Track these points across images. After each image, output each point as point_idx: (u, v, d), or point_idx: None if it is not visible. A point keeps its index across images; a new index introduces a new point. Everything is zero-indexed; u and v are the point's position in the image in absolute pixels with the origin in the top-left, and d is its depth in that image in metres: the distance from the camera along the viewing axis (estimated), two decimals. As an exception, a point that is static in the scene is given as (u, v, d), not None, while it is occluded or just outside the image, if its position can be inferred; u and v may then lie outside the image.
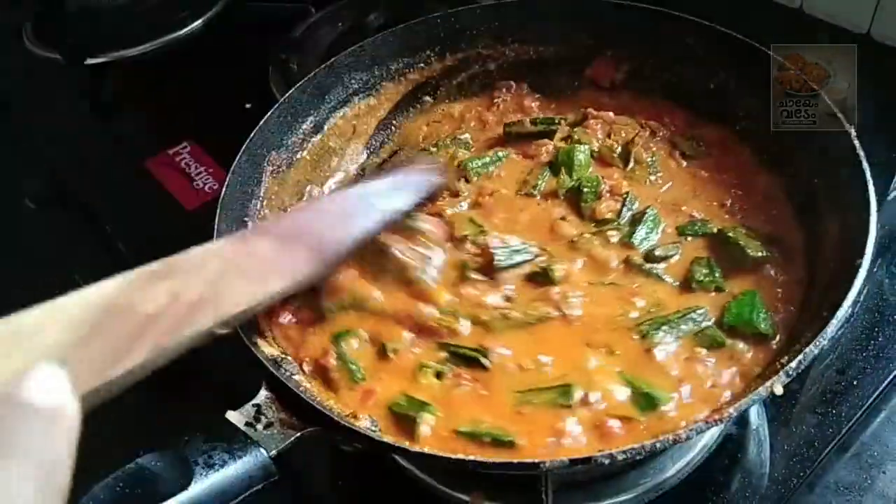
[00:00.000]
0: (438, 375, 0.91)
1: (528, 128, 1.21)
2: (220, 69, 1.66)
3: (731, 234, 1.00)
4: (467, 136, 1.24)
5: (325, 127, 1.21)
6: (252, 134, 1.08)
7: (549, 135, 1.19)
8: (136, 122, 1.67)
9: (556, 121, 1.21)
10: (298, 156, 1.17)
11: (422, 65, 1.27)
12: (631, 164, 1.13)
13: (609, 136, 1.18)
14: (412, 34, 1.25)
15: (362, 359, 0.93)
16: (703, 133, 1.17)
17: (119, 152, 1.56)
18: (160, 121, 1.63)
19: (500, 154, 1.18)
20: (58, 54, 1.62)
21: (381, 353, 0.94)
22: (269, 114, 1.11)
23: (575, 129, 1.19)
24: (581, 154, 1.13)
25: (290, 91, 1.16)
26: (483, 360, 0.90)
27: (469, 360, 0.91)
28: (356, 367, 0.92)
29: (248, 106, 1.53)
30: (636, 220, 1.03)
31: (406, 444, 0.81)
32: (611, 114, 1.21)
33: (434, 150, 1.21)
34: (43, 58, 1.66)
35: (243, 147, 1.06)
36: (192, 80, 1.66)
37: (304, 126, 1.18)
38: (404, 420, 0.87)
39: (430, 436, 0.85)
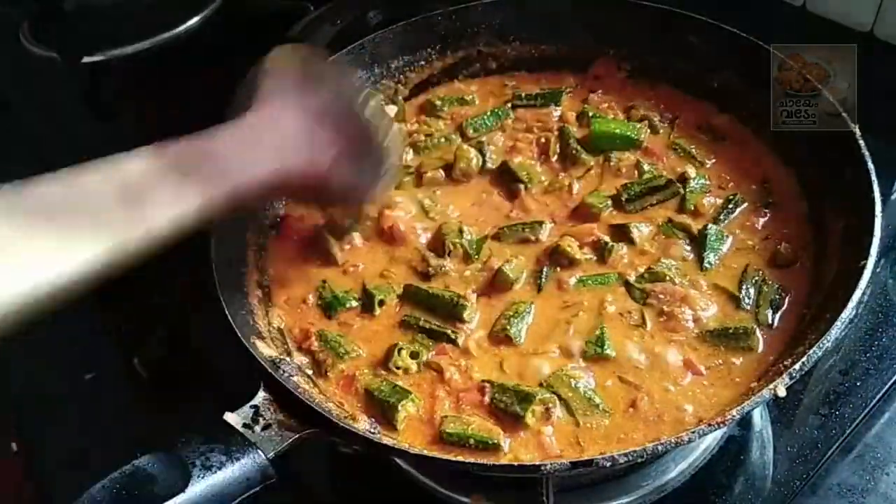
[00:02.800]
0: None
1: (534, 90, 1.25)
2: (218, 67, 1.65)
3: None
4: (473, 95, 1.27)
5: (325, 126, 1.20)
6: (251, 133, 1.06)
7: (557, 98, 1.23)
8: (134, 121, 1.66)
9: (563, 88, 1.24)
10: (298, 155, 1.16)
11: (422, 63, 1.27)
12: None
13: (628, 111, 1.20)
14: (412, 32, 1.24)
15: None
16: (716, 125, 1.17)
17: (117, 152, 1.54)
18: (158, 120, 1.62)
19: (500, 112, 1.21)
20: (55, 53, 1.61)
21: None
22: (268, 112, 1.10)
23: (586, 105, 1.21)
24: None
25: (290, 89, 1.15)
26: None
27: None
28: (337, 342, 0.95)
29: (246, 105, 1.52)
30: (698, 242, 1.01)
31: (406, 446, 0.81)
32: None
33: (439, 103, 1.24)
34: (41, 57, 1.65)
35: (242, 146, 1.05)
36: (189, 78, 1.64)
37: (304, 125, 1.17)
38: (384, 406, 0.88)
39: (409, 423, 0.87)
